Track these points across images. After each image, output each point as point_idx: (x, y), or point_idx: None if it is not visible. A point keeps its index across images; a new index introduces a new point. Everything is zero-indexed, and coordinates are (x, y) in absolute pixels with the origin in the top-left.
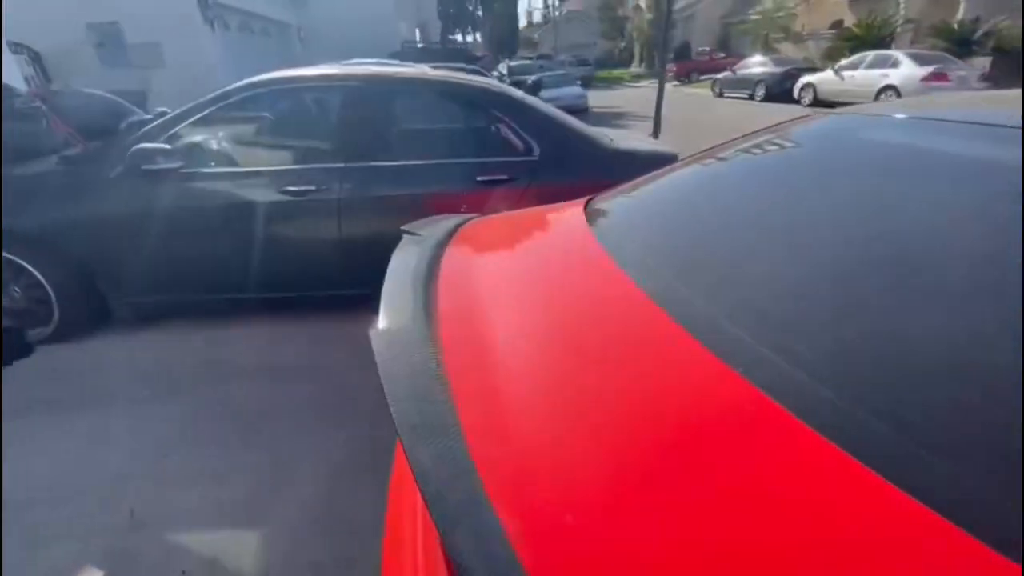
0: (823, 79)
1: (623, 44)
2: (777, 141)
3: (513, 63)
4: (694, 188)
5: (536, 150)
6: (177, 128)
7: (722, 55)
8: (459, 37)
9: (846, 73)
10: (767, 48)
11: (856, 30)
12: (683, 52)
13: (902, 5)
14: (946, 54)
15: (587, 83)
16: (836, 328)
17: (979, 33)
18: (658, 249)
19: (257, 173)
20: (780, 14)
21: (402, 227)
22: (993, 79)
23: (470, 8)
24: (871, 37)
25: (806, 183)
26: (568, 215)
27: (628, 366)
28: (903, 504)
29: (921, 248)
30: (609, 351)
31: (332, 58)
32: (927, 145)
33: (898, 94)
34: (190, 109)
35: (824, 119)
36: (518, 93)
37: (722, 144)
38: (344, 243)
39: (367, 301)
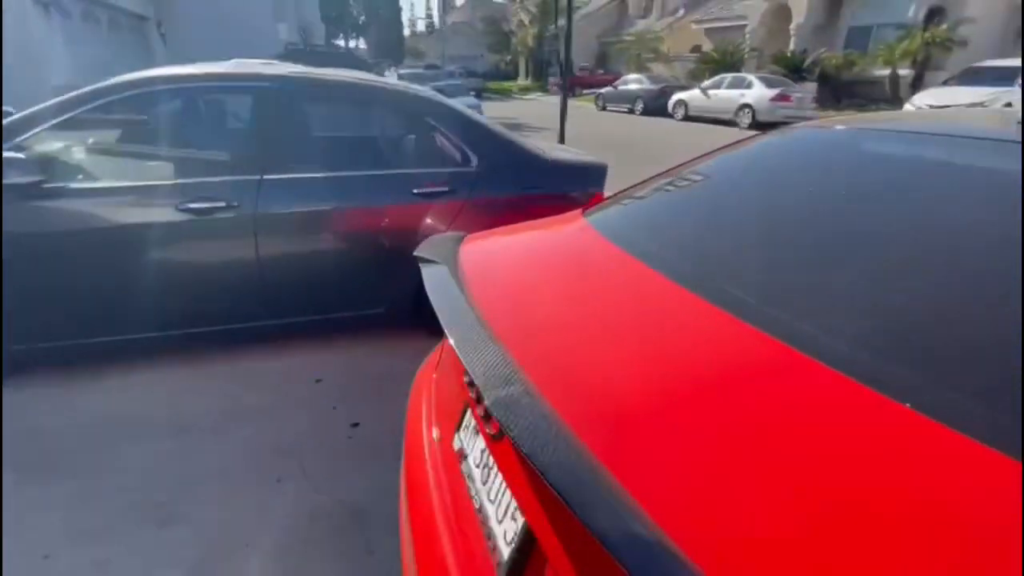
0: (692, 96)
1: (509, 57)
2: (747, 152)
3: (403, 71)
4: (687, 192)
5: (474, 161)
6: (31, 133)
7: (601, 71)
8: (342, 42)
9: (711, 92)
10: (640, 67)
11: (714, 55)
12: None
13: (747, 36)
14: (785, 78)
15: (478, 94)
16: (829, 293)
17: (808, 62)
18: (673, 240)
19: (146, 188)
20: (650, 36)
21: (415, 254)
22: (820, 101)
23: (354, 13)
24: (726, 61)
25: (781, 183)
26: (570, 223)
27: (670, 337)
28: None
29: (871, 226)
30: (650, 328)
31: (203, 58)
32: (873, 150)
33: (753, 111)
34: (48, 110)
35: (791, 133)
36: (452, 102)
37: (704, 155)
38: (262, 268)
39: (294, 332)
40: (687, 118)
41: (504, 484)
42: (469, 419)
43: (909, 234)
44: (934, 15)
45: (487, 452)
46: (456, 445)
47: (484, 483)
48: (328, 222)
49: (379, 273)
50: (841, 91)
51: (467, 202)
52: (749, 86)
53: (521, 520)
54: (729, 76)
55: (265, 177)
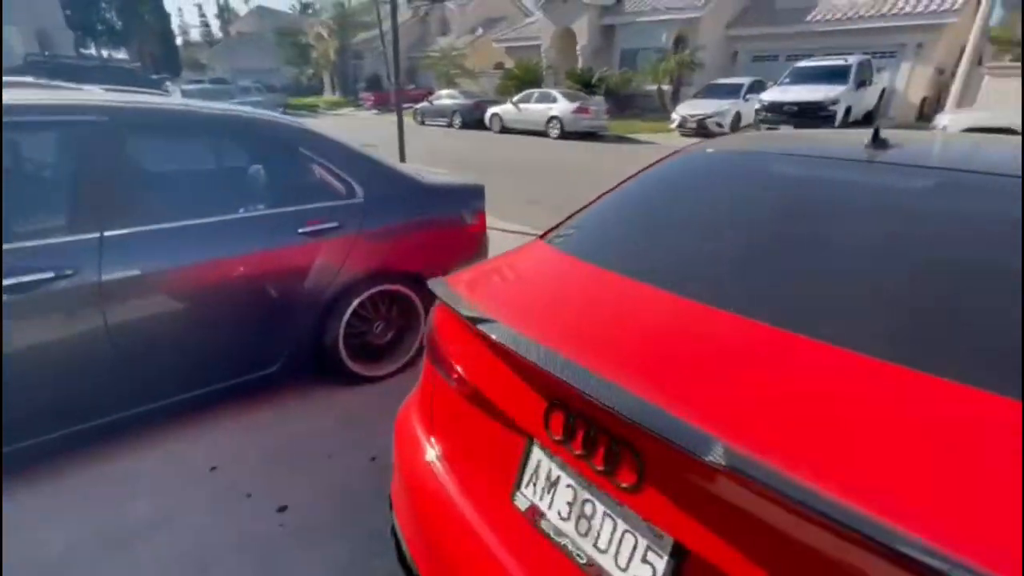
0: (506, 110)
1: (311, 71)
2: (666, 173)
3: (187, 87)
4: (627, 208)
5: (359, 192)
6: None
7: (412, 86)
8: (94, 51)
9: (522, 106)
10: (449, 82)
11: (517, 71)
12: (375, 83)
13: (543, 55)
14: (580, 92)
15: (284, 111)
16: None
17: (595, 78)
18: (637, 249)
19: None
20: (455, 53)
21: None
22: (611, 112)
23: (107, 16)
24: (528, 78)
25: (692, 196)
26: (536, 251)
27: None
28: None
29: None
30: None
31: None
32: (762, 167)
33: (561, 123)
34: None
35: (690, 155)
36: (322, 129)
37: (628, 177)
38: (116, 347)
39: (170, 415)
40: (503, 130)
41: (623, 525)
42: (537, 470)
43: (790, 224)
44: (680, 42)
45: (591, 496)
46: (521, 504)
47: (584, 534)
48: (197, 279)
49: (269, 327)
50: (623, 103)
51: (359, 235)
52: (555, 100)
53: (664, 557)
54: (536, 91)
55: (107, 234)
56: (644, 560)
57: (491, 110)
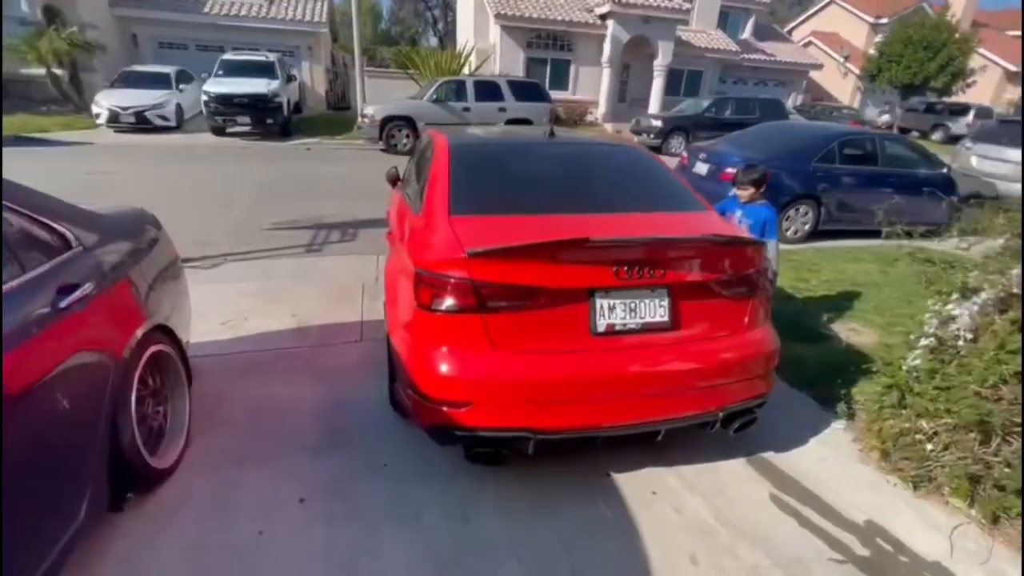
0: None
1: None
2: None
3: None
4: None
5: (76, 238)
6: None
7: None
8: None
9: None
10: None
11: None
12: None
13: None
14: None
15: None
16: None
17: None
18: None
19: None
20: None
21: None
22: None
23: None
24: None
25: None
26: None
27: None
28: None
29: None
30: None
31: None
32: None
33: None
34: None
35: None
36: None
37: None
38: None
39: None
40: None
41: (648, 296)
42: (602, 307)
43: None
44: (53, 15)
45: (633, 297)
46: (600, 327)
47: (634, 314)
48: None
49: (60, 467)
50: None
51: (110, 291)
52: None
53: (667, 298)
54: None
55: None
56: (659, 306)
57: None
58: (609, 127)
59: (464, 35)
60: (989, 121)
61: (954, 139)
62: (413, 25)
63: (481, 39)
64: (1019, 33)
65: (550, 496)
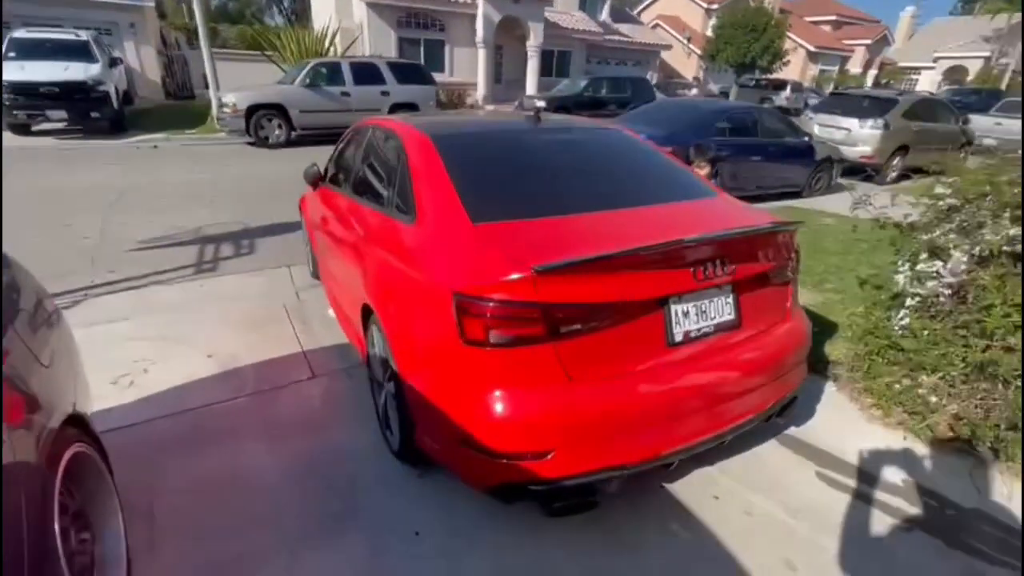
0: None
1: None
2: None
3: None
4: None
5: None
6: None
7: None
8: None
9: None
10: None
11: None
12: None
13: None
14: None
15: None
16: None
17: None
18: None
19: None
20: None
21: None
22: None
23: None
24: None
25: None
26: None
27: None
28: None
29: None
30: None
31: None
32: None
33: None
34: None
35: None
36: None
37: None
38: None
39: None
40: None
41: (717, 295)
42: (676, 314)
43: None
44: None
45: (703, 298)
46: (677, 337)
47: (705, 317)
48: None
49: None
50: None
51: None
52: None
53: (731, 294)
54: None
55: None
56: (726, 303)
57: None
58: (490, 107)
59: (323, 14)
60: (806, 93)
61: (783, 111)
62: (254, 1)
63: (345, 18)
64: (817, 19)
65: (618, 530)
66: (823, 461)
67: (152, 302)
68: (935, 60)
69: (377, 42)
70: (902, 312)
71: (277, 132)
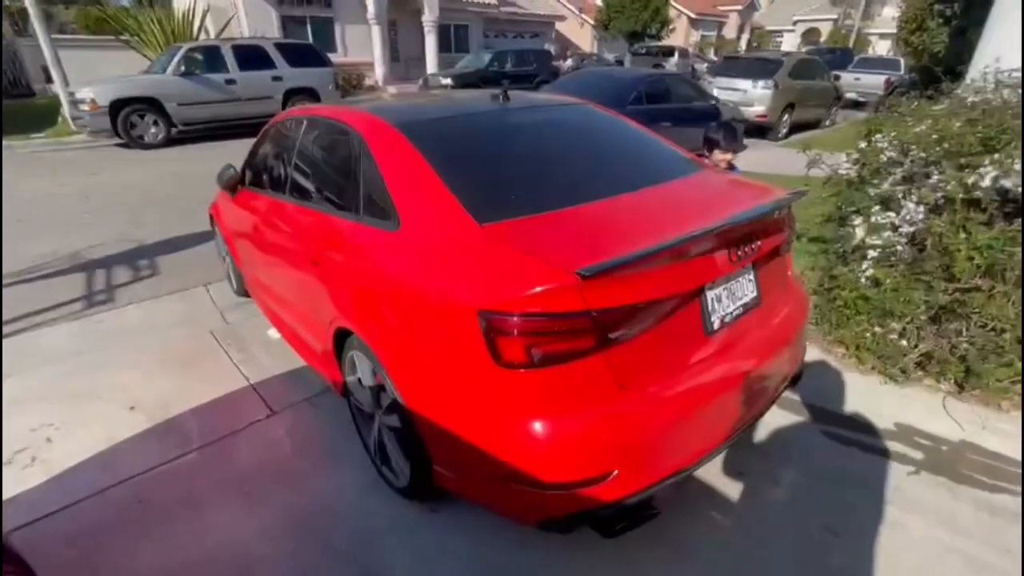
0: None
1: None
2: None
3: None
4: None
5: None
6: None
7: None
8: None
9: None
10: None
11: None
12: None
13: None
14: None
15: None
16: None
17: None
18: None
19: None
20: None
21: None
22: None
23: None
24: None
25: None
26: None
27: None
28: None
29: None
30: None
31: None
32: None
33: None
34: None
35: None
36: None
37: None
38: None
39: None
40: None
41: (744, 276)
42: (711, 301)
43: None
44: None
45: (734, 280)
46: (715, 325)
47: (736, 298)
48: None
49: None
50: None
51: None
52: None
53: (752, 271)
54: None
55: None
56: (749, 280)
57: None
58: (393, 89)
59: None
60: (691, 58)
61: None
62: None
63: None
64: None
65: (663, 533)
66: (824, 418)
67: (35, 351)
68: (794, 23)
69: (256, 22)
70: (864, 264)
71: (153, 130)
